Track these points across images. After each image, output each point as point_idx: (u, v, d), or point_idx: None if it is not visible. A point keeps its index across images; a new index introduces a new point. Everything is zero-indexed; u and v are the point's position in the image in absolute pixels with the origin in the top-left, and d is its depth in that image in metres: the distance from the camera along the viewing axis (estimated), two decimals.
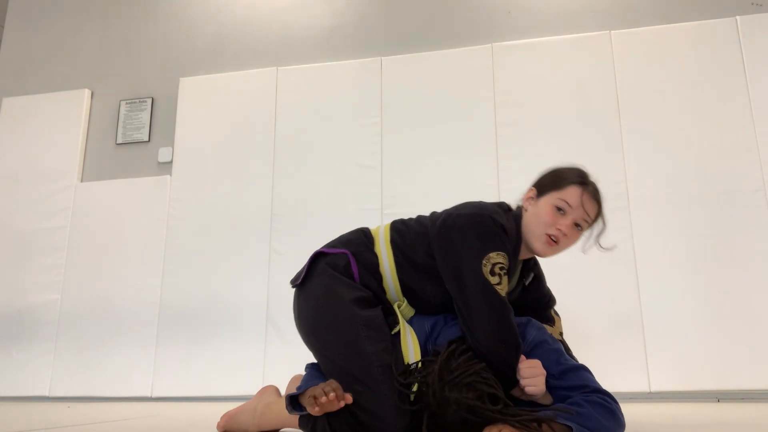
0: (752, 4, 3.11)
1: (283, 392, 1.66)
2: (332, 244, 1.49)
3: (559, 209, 1.42)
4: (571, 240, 1.45)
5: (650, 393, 2.69)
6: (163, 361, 3.19)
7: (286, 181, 3.34)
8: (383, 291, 1.43)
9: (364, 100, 3.36)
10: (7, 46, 4.08)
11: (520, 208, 1.51)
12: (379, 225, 1.53)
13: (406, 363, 1.32)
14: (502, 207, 1.49)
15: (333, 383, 1.20)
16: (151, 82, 3.78)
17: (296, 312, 1.48)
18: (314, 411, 1.17)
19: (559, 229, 1.41)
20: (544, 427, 1.15)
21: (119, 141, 3.71)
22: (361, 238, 1.48)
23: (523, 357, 1.32)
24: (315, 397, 1.16)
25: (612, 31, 3.18)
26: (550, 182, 1.47)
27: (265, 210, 3.31)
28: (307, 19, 3.67)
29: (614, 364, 2.71)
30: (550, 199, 1.44)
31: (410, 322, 1.44)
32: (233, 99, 3.55)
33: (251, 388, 2.97)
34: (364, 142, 3.29)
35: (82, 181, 3.65)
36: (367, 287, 1.42)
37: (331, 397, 1.14)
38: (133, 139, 3.69)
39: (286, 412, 1.36)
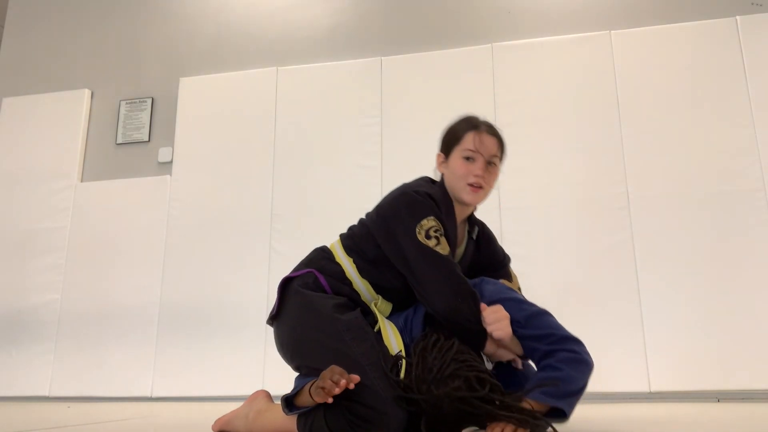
0: (752, 4, 3.11)
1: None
2: (297, 268, 1.55)
3: (467, 159, 1.51)
4: (491, 178, 1.54)
5: (650, 393, 2.69)
6: (163, 361, 3.19)
7: (286, 181, 3.34)
8: (357, 294, 1.48)
9: (364, 100, 3.36)
10: (7, 46, 4.08)
11: (442, 178, 1.60)
12: (333, 241, 1.60)
13: (392, 355, 1.34)
14: (425, 180, 1.60)
15: (336, 368, 1.21)
16: (151, 82, 3.78)
17: (278, 341, 1.51)
18: (329, 400, 1.18)
19: (476, 176, 1.50)
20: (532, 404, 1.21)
21: (119, 141, 3.71)
22: (321, 254, 1.55)
23: (484, 305, 1.37)
24: (323, 388, 1.17)
25: (612, 31, 3.18)
26: (449, 140, 1.57)
27: (265, 210, 3.31)
28: (307, 19, 3.67)
29: (614, 364, 2.71)
30: (456, 154, 1.53)
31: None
32: (233, 99, 3.55)
33: (251, 388, 2.96)
34: (364, 142, 3.30)
35: (82, 181, 3.65)
36: (341, 295, 1.47)
37: (342, 385, 1.16)
38: (133, 139, 3.69)
39: (278, 419, 1.38)
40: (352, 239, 1.54)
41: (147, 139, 3.67)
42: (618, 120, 3.05)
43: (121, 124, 3.73)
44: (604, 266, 2.88)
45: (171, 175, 3.51)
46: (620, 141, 3.02)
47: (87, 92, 3.81)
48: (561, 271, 2.92)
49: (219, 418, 1.60)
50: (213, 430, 1.59)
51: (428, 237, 1.39)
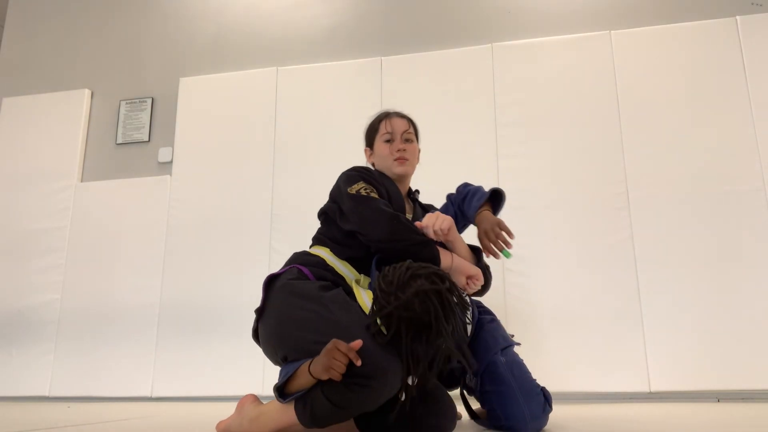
0: (752, 4, 3.11)
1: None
2: (281, 269, 1.65)
3: (387, 141, 1.80)
4: (413, 150, 1.82)
5: (650, 393, 2.69)
6: (163, 361, 3.19)
7: (286, 181, 3.34)
8: (342, 278, 1.59)
9: (364, 100, 3.35)
10: (7, 46, 4.08)
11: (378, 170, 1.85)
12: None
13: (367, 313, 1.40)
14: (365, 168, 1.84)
15: (339, 344, 1.22)
16: (151, 82, 3.78)
17: (264, 335, 1.55)
18: (338, 377, 1.22)
19: (398, 150, 1.78)
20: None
21: (119, 141, 3.71)
22: (300, 252, 1.71)
23: (418, 222, 1.58)
24: (331, 368, 1.20)
25: (612, 31, 3.18)
26: (370, 134, 1.89)
27: (265, 210, 3.31)
28: (307, 19, 3.67)
29: (614, 364, 2.71)
30: (378, 142, 1.83)
31: None
32: (233, 99, 3.55)
33: (251, 388, 2.96)
34: (363, 142, 3.29)
35: (82, 181, 3.65)
36: (325, 280, 1.55)
37: (347, 361, 1.21)
38: (133, 139, 3.69)
39: (273, 418, 1.38)
40: (319, 233, 1.74)
41: (147, 139, 3.67)
42: (618, 120, 3.05)
43: (121, 124, 3.73)
44: (604, 266, 2.88)
45: (171, 175, 3.51)
46: (620, 141, 3.02)
47: (87, 92, 3.81)
48: (561, 271, 2.92)
49: (221, 422, 1.58)
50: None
51: (359, 192, 1.62)
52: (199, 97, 3.60)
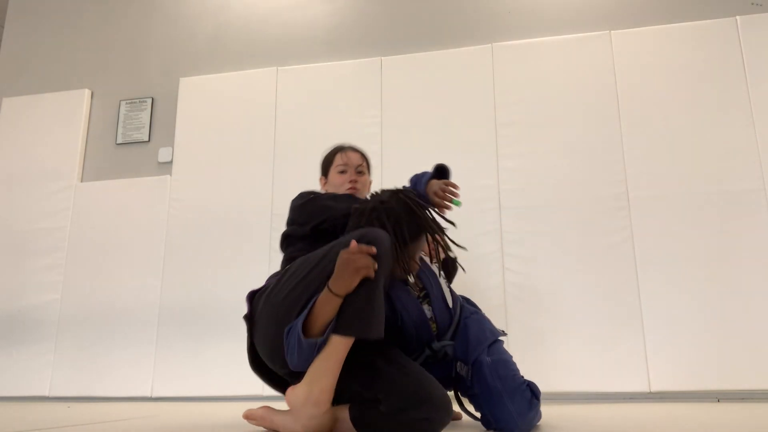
0: (752, 4, 3.11)
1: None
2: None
3: (341, 172, 1.94)
4: (364, 182, 1.98)
5: (650, 393, 2.69)
6: (163, 361, 3.19)
7: (286, 181, 3.34)
8: None
9: (364, 100, 3.36)
10: (7, 46, 4.08)
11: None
12: None
13: None
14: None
15: (345, 251, 1.32)
16: (151, 82, 3.78)
17: (261, 333, 1.58)
18: (371, 272, 1.32)
19: (350, 181, 1.92)
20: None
21: (119, 141, 3.71)
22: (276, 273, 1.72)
23: None
24: (360, 268, 1.29)
25: (612, 31, 3.18)
26: (325, 165, 2.02)
27: (265, 210, 3.31)
28: (307, 19, 3.67)
29: (614, 364, 2.71)
30: (332, 172, 1.97)
31: None
32: (233, 99, 3.55)
33: (251, 389, 2.97)
34: (363, 142, 3.28)
35: (82, 181, 3.65)
36: None
37: (365, 257, 1.31)
38: (133, 139, 3.69)
39: (326, 371, 1.34)
40: (286, 256, 1.76)
41: (147, 139, 3.67)
42: (618, 120, 3.05)
43: (121, 124, 3.73)
44: (604, 266, 2.88)
45: (171, 175, 3.51)
46: (620, 141, 3.02)
47: (87, 92, 3.81)
48: (561, 271, 2.92)
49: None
50: None
51: None
52: (199, 97, 3.60)
